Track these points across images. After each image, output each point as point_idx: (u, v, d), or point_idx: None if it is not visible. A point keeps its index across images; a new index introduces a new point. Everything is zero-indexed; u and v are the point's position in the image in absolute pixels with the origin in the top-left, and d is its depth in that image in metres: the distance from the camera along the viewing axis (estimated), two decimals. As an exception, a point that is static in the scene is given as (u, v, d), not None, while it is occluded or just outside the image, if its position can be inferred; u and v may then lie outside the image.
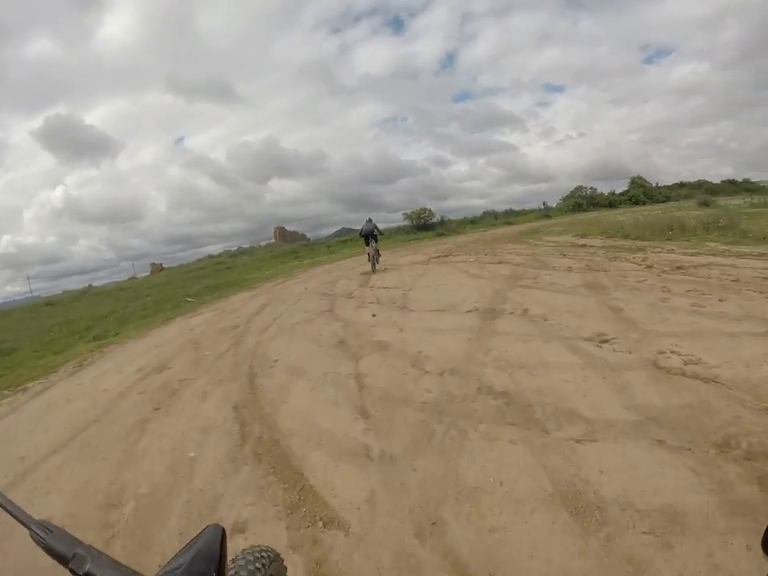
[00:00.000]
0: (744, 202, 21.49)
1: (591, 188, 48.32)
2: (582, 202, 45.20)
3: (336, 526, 2.20)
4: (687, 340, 3.96)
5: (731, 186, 49.13)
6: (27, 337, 12.04)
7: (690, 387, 3.05)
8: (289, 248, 36.40)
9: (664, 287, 6.03)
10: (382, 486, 2.42)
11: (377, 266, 12.76)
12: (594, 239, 14.13)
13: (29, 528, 0.60)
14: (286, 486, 2.60)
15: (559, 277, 7.75)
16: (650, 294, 5.80)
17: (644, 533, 1.85)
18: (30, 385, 6.41)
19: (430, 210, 38.30)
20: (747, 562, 1.62)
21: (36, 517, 0.62)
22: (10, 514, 0.61)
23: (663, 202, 42.43)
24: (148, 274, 41.97)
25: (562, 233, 18.68)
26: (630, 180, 49.50)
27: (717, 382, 3.06)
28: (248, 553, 1.04)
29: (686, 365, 3.42)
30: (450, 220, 39.23)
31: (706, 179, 56.13)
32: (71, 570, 0.57)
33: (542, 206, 47.93)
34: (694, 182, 54.78)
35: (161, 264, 44.61)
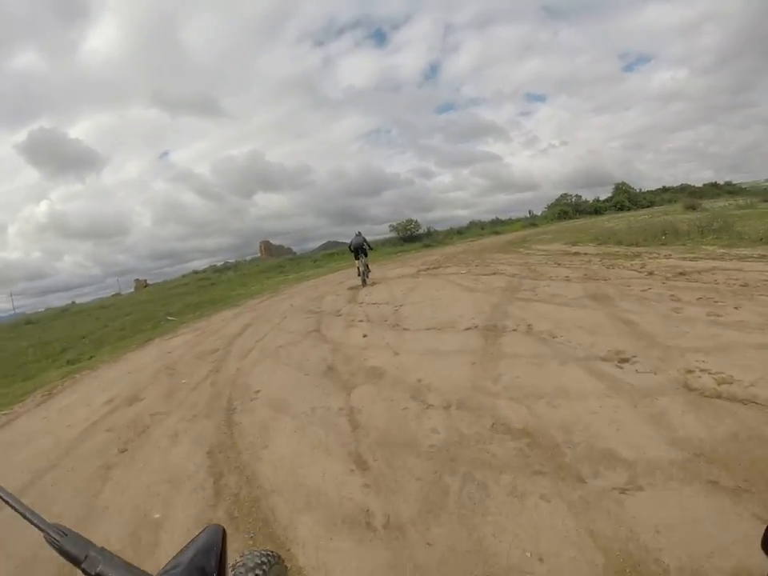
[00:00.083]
0: (729, 204, 21.67)
1: (576, 195, 48.92)
2: (567, 209, 45.59)
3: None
4: (713, 355, 3.65)
5: (714, 189, 50.15)
6: (0, 359, 11.95)
7: (730, 411, 2.72)
8: (274, 262, 36.02)
9: (672, 295, 5.73)
10: (390, 571, 1.91)
11: (366, 281, 12.35)
12: (586, 246, 13.88)
13: (43, 530, 0.61)
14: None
15: (559, 287, 7.35)
16: (660, 303, 5.46)
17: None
18: (-8, 417, 5.87)
19: (416, 222, 38.27)
20: None
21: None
22: (24, 517, 0.62)
23: (648, 207, 43.01)
24: (133, 290, 41.46)
25: (551, 241, 18.47)
26: (614, 186, 50.35)
27: (757, 403, 2.75)
28: (249, 556, 1.03)
29: (719, 384, 3.09)
30: (436, 231, 39.22)
31: (689, 183, 57.58)
32: (84, 571, 0.59)
33: (528, 215, 48.30)
34: (677, 186, 56.10)
35: (145, 280, 44.28)
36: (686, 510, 1.98)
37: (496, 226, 43.55)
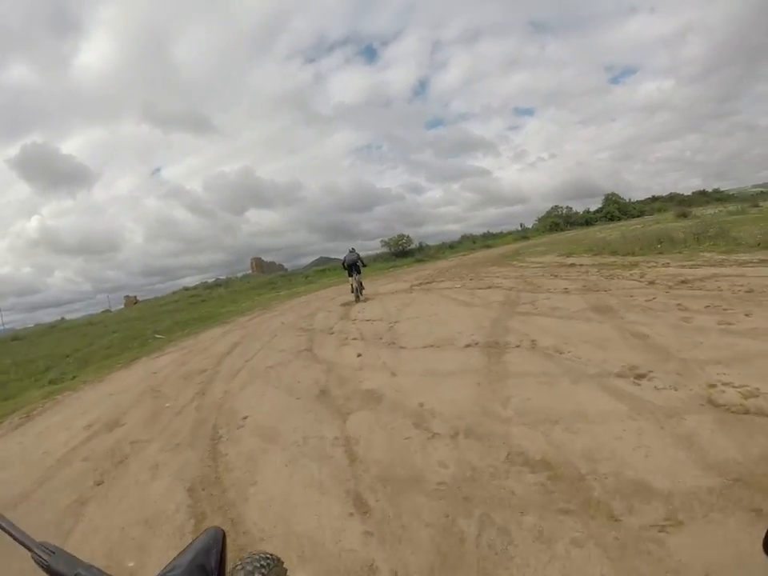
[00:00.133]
0: (719, 210, 21.80)
1: (567, 207, 49.27)
2: (558, 221, 45.89)
3: None
4: (733, 366, 3.44)
5: (702, 197, 50.91)
6: (-19, 379, 11.68)
7: (761, 428, 2.51)
8: (266, 279, 35.72)
9: (679, 305, 5.53)
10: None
11: (360, 298, 12.12)
12: (581, 258, 13.73)
13: (30, 550, 0.59)
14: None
15: (559, 300, 7.12)
16: (667, 313, 5.24)
17: None
18: (-34, 442, 5.48)
19: (408, 237, 38.25)
20: None
21: None
22: (12, 536, 0.60)
23: (638, 216, 43.43)
24: (122, 306, 40.99)
25: (545, 253, 18.35)
26: (604, 197, 50.84)
27: (787, 417, 2.52)
28: (248, 558, 1.02)
29: (746, 399, 2.86)
30: (428, 246, 39.22)
31: (678, 192, 58.52)
32: None
33: (520, 228, 48.46)
34: (666, 195, 57.00)
35: (135, 297, 43.86)
36: (734, 546, 1.71)
37: (487, 239, 43.67)
